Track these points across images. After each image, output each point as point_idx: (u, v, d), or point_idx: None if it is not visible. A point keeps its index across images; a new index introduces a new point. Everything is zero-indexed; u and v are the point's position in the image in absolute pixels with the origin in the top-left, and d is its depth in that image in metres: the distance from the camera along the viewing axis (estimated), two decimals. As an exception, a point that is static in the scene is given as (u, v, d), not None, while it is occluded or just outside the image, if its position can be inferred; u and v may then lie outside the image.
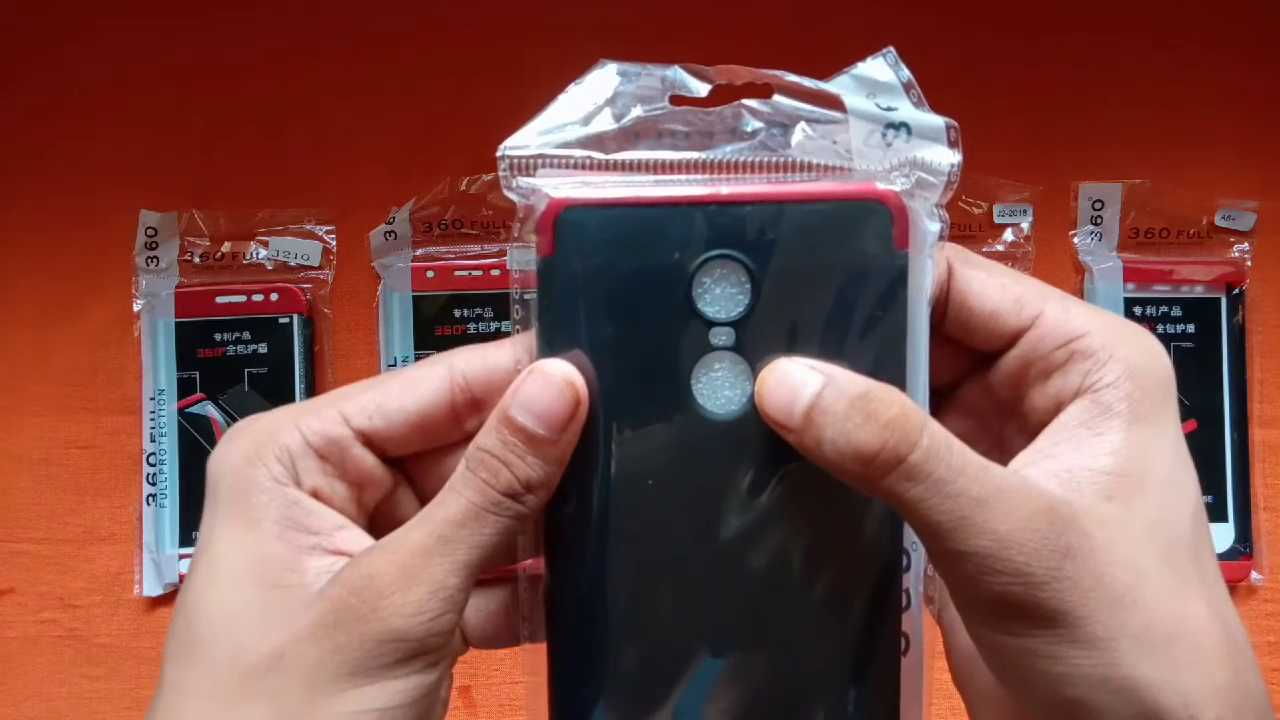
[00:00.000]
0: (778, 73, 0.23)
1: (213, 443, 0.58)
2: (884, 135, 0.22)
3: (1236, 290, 0.59)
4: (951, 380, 0.25)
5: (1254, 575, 0.58)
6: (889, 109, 0.22)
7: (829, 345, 0.22)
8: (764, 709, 0.22)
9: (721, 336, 0.22)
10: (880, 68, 0.23)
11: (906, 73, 0.23)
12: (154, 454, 0.58)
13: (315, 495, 0.22)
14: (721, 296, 0.22)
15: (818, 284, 0.22)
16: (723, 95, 0.24)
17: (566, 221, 0.22)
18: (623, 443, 0.22)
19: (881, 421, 0.20)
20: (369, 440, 0.22)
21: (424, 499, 0.23)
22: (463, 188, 0.59)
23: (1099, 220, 0.59)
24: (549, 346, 0.22)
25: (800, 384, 0.21)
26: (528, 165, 0.23)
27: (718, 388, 0.22)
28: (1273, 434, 0.59)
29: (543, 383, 0.21)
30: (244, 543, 0.21)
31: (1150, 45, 0.60)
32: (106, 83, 0.60)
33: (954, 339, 0.24)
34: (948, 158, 0.23)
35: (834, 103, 0.22)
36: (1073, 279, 0.60)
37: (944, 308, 0.23)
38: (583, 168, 0.23)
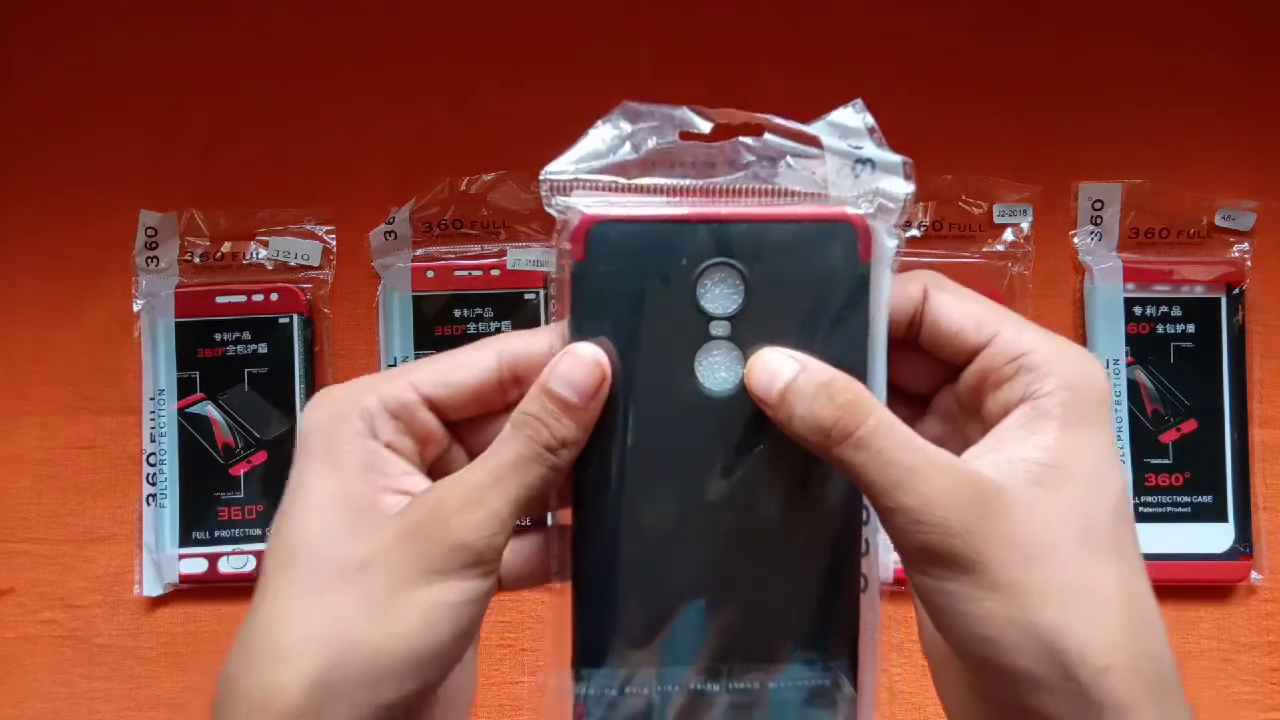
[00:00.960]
0: (768, 116, 0.28)
1: (212, 442, 0.58)
2: (853, 169, 0.28)
3: (1236, 290, 0.59)
4: (928, 389, 0.30)
5: (1254, 575, 0.58)
6: (857, 148, 0.28)
7: (804, 338, 0.27)
8: (748, 632, 0.28)
9: (719, 328, 0.27)
10: (850, 115, 0.28)
11: (870, 120, 0.28)
12: (154, 454, 0.58)
13: (388, 447, 0.27)
14: (720, 296, 0.27)
15: (797, 287, 0.27)
16: (723, 131, 0.29)
17: (595, 234, 0.27)
18: (636, 413, 0.27)
19: (839, 403, 0.25)
20: (432, 405, 0.28)
21: (471, 455, 0.28)
22: (463, 188, 0.59)
23: (1099, 220, 0.59)
24: (579, 332, 0.27)
25: (779, 369, 0.26)
26: (564, 187, 0.28)
27: (715, 369, 0.27)
28: (1272, 434, 0.59)
29: (576, 361, 0.27)
30: (332, 481, 0.26)
31: (1150, 46, 0.60)
32: (106, 83, 0.60)
33: (927, 352, 0.29)
34: (903, 188, 0.28)
35: (814, 141, 0.28)
36: (1073, 279, 0.60)
37: (919, 325, 0.28)
38: (609, 190, 0.28)
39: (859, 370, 0.27)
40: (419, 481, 0.27)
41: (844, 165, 0.28)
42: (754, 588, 0.28)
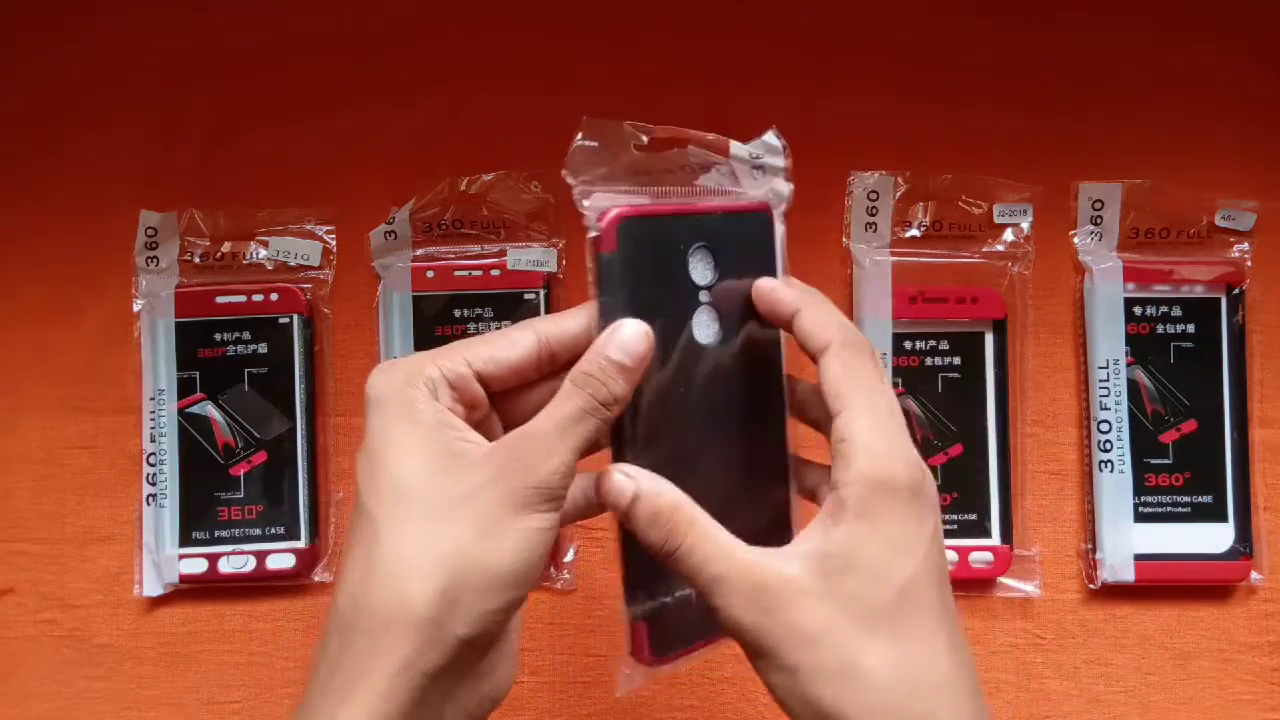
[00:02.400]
0: (691, 132, 0.36)
1: (213, 442, 0.58)
2: (752, 173, 0.37)
3: (1236, 290, 0.59)
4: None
5: (1254, 575, 0.58)
6: (756, 157, 0.37)
7: (744, 284, 0.36)
8: (734, 497, 0.35)
9: (704, 295, 0.35)
10: (771, 137, 0.37)
11: (782, 142, 0.37)
12: (154, 454, 0.58)
13: (449, 410, 0.32)
14: (702, 270, 0.35)
15: (740, 254, 0.36)
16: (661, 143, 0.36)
17: (621, 227, 0.33)
18: (655, 362, 0.34)
19: (664, 528, 0.32)
20: (481, 378, 0.33)
21: (504, 419, 0.34)
22: (462, 188, 0.59)
23: (1099, 220, 0.59)
24: (613, 304, 0.33)
25: (621, 492, 0.32)
26: (587, 192, 0.34)
27: (702, 327, 0.35)
28: (1273, 434, 0.59)
29: (632, 331, 0.32)
30: (418, 431, 0.31)
31: (1151, 45, 0.60)
32: (106, 83, 0.60)
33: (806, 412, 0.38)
34: (786, 188, 0.37)
35: (724, 150, 0.36)
36: (1073, 279, 0.60)
37: (793, 393, 0.38)
38: (618, 193, 0.34)
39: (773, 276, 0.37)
40: (480, 439, 0.32)
41: (746, 170, 0.37)
42: (734, 461, 0.36)
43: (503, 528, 0.30)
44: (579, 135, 0.33)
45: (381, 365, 0.33)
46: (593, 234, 0.33)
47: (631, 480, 0.32)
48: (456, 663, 0.30)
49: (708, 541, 0.31)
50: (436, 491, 0.30)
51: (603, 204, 0.33)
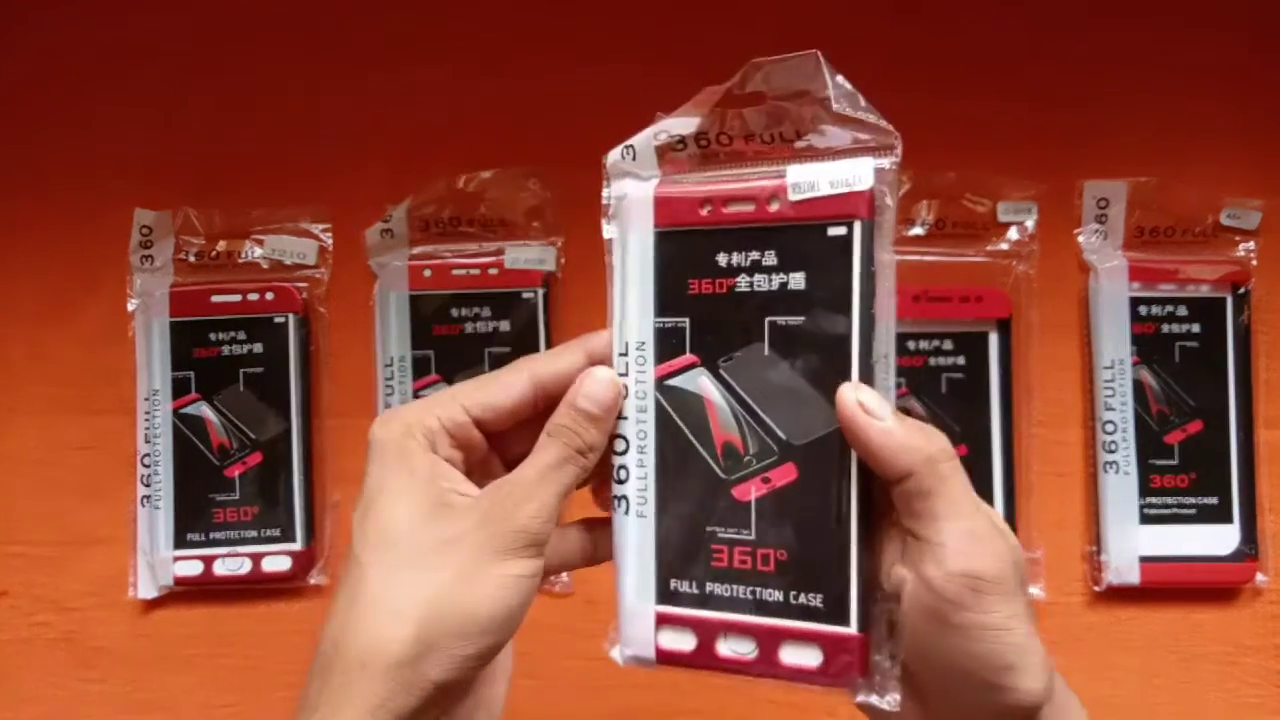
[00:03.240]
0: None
1: (208, 443, 0.58)
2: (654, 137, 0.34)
3: (1242, 289, 0.58)
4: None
5: (1259, 577, 0.57)
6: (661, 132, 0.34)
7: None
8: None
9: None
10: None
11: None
12: (149, 455, 0.58)
13: (446, 460, 0.33)
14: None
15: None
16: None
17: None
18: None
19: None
20: (478, 424, 0.33)
21: (504, 459, 0.35)
22: (460, 186, 0.58)
23: (1104, 219, 0.59)
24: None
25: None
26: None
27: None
28: (1278, 435, 0.58)
29: (600, 380, 0.33)
30: (411, 482, 0.32)
31: (1156, 44, 0.59)
32: (102, 82, 0.60)
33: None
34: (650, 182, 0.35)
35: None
36: (1078, 278, 0.59)
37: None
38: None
39: None
40: (470, 486, 0.33)
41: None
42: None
43: (482, 573, 0.31)
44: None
45: (383, 414, 0.34)
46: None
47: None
48: (430, 707, 0.30)
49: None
50: (422, 538, 0.31)
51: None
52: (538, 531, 0.31)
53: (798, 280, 0.32)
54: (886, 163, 0.31)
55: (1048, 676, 0.30)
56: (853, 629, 0.31)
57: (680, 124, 0.33)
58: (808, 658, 0.31)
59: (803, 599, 0.32)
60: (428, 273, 0.58)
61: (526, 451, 0.33)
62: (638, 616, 0.33)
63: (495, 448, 0.35)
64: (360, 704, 0.29)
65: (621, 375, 0.33)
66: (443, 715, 0.31)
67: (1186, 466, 0.58)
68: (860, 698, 0.31)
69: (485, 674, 0.33)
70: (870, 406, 0.30)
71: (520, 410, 0.34)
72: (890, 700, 0.31)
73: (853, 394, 0.30)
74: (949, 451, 0.30)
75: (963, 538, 0.29)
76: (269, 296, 0.58)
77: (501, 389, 0.33)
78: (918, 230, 0.58)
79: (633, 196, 0.33)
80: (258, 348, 0.58)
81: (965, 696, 0.30)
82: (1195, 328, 0.58)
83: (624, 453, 0.34)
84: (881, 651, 0.31)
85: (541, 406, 0.34)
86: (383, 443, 0.33)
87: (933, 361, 0.58)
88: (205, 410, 0.58)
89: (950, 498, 0.30)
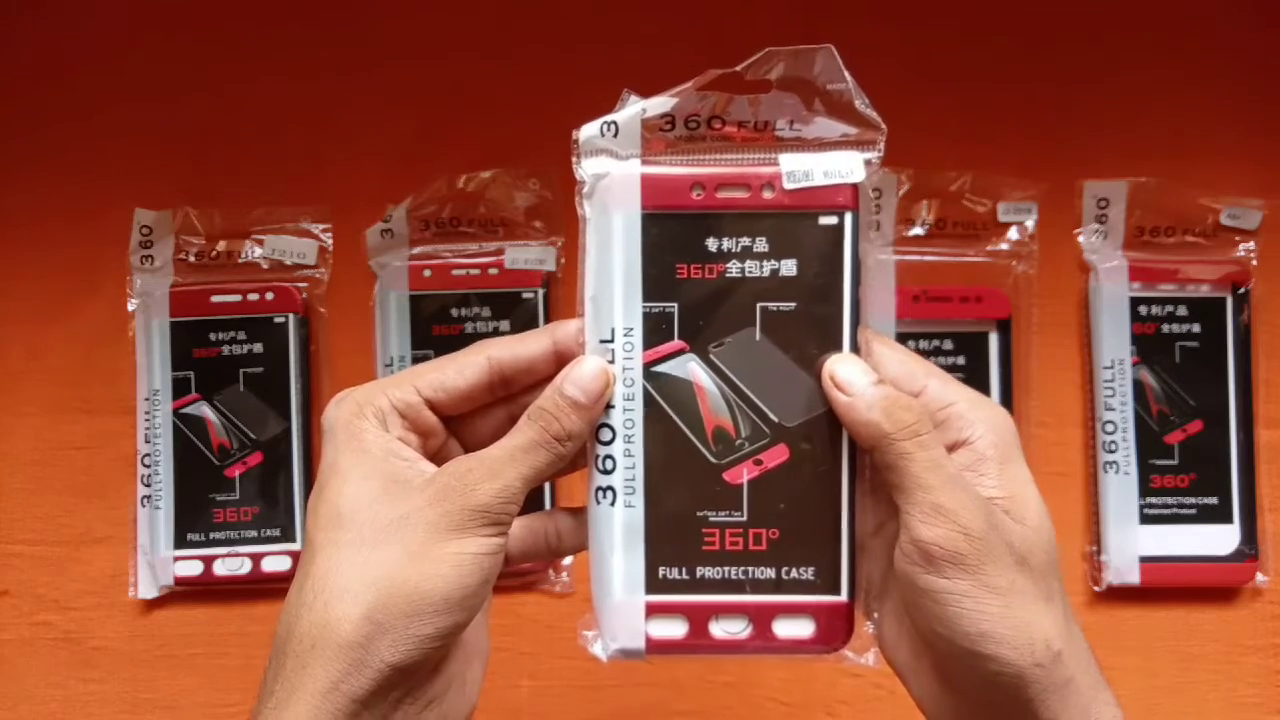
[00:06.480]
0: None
1: (208, 443, 0.58)
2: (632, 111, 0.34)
3: (1242, 289, 0.58)
4: None
5: (1259, 577, 0.57)
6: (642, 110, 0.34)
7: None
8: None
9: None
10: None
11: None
12: (149, 455, 0.58)
13: (399, 440, 0.32)
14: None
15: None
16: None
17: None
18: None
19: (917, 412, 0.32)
20: (432, 405, 0.32)
21: (464, 444, 0.34)
22: (460, 185, 0.58)
23: (1104, 219, 0.59)
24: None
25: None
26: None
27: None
28: (1279, 435, 0.58)
29: (591, 369, 0.32)
30: (363, 460, 0.31)
31: (1156, 43, 0.60)
32: (101, 80, 0.60)
33: None
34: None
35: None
36: (1078, 278, 0.59)
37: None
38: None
39: None
40: (428, 465, 0.32)
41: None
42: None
43: (434, 550, 0.30)
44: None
45: (337, 396, 0.33)
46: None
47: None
48: (388, 689, 0.29)
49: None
50: (373, 517, 0.30)
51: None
52: (498, 511, 0.30)
53: (789, 267, 0.32)
54: (872, 156, 0.32)
55: (1043, 652, 0.30)
56: (843, 597, 0.32)
57: (660, 103, 0.33)
58: (800, 629, 0.33)
59: (794, 573, 0.32)
60: (428, 273, 0.58)
61: (486, 441, 0.32)
62: (624, 608, 0.33)
63: (457, 435, 0.34)
64: (313, 686, 0.29)
65: (608, 362, 0.32)
66: (406, 696, 0.30)
67: (1186, 466, 0.58)
68: (850, 658, 0.33)
69: (456, 653, 0.32)
70: (840, 379, 0.32)
71: (475, 394, 0.33)
72: (869, 658, 0.33)
73: (829, 366, 0.32)
74: (914, 429, 0.30)
75: (923, 508, 0.30)
76: (269, 296, 0.58)
77: (456, 371, 0.32)
78: (918, 230, 0.58)
79: (616, 175, 0.32)
80: (258, 348, 0.58)
81: (954, 663, 0.31)
82: (1195, 328, 0.58)
83: (609, 442, 0.33)
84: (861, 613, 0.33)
85: (500, 392, 0.33)
86: (334, 422, 0.32)
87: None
88: (205, 410, 0.58)
89: (909, 472, 0.30)
